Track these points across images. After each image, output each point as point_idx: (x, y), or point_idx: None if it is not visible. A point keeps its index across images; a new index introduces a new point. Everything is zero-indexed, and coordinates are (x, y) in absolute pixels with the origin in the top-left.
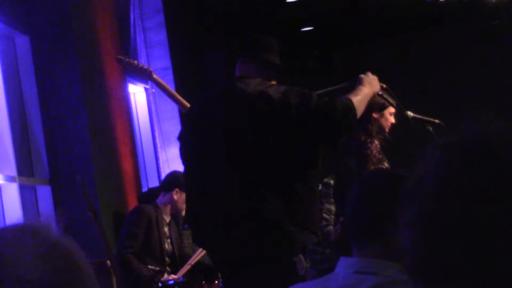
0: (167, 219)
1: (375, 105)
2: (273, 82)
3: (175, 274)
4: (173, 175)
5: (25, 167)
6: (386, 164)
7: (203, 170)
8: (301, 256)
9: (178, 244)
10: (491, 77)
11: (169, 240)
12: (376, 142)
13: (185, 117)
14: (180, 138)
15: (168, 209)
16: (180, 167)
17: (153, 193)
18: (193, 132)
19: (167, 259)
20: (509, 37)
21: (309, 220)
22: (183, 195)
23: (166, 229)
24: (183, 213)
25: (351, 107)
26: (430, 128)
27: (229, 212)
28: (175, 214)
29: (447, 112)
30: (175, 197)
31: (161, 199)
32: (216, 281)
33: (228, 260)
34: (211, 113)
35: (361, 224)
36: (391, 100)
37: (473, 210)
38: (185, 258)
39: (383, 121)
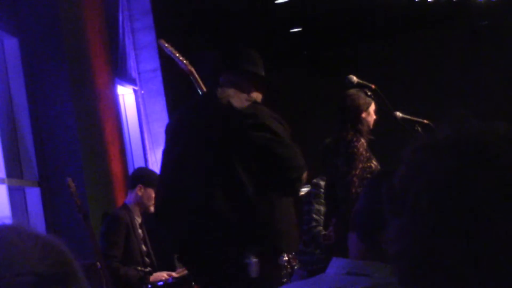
0: (139, 220)
1: (363, 105)
2: (254, 95)
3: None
4: (137, 171)
5: (14, 168)
6: (374, 162)
7: (174, 177)
8: (254, 259)
9: (150, 243)
10: (481, 77)
11: (142, 241)
12: (363, 140)
13: (167, 127)
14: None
15: (137, 209)
16: None
17: None
18: (171, 140)
19: (146, 259)
20: (498, 38)
21: (260, 227)
22: (148, 191)
23: (140, 230)
24: (152, 209)
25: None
26: (419, 129)
27: (191, 213)
28: (144, 212)
29: (437, 113)
30: (139, 193)
31: (129, 199)
32: None
33: (190, 259)
34: (187, 121)
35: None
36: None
37: (470, 213)
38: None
39: (369, 118)
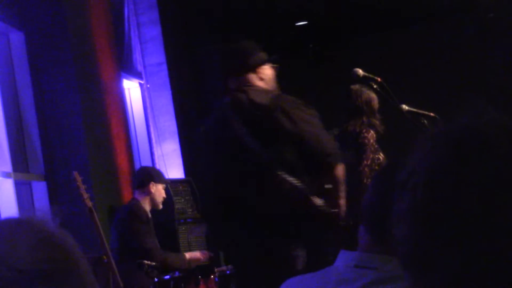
0: (149, 215)
1: (376, 100)
2: (267, 75)
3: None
4: (145, 170)
5: (20, 163)
6: (381, 155)
7: (222, 179)
8: (299, 252)
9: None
10: (487, 70)
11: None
12: (372, 131)
13: (201, 139)
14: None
15: (147, 204)
16: (175, 162)
17: None
18: (211, 150)
19: None
20: (505, 30)
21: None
22: (159, 187)
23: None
24: (161, 206)
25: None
26: (425, 121)
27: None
28: (153, 208)
29: (443, 106)
30: (152, 190)
31: (138, 197)
32: (212, 276)
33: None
34: (223, 129)
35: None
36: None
37: (461, 203)
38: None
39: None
